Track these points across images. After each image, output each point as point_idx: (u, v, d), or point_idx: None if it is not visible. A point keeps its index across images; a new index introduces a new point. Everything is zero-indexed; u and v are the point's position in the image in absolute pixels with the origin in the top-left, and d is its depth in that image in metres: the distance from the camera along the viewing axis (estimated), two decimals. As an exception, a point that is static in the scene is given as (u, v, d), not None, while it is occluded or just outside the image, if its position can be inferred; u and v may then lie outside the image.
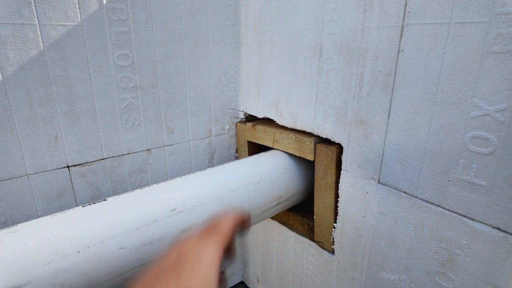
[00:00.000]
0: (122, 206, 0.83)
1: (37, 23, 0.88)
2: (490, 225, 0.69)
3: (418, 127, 0.78)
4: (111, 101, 1.05)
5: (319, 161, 1.05)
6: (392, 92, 0.82)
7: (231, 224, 0.60)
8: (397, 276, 0.90)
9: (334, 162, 1.00)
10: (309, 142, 1.07)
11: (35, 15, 0.87)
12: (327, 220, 1.08)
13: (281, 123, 1.21)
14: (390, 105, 0.83)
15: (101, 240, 0.74)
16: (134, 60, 1.06)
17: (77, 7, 0.93)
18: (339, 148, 0.99)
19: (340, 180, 1.01)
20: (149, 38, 1.08)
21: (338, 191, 1.02)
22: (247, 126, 1.33)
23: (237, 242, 1.56)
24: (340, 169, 1.00)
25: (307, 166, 1.20)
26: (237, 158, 1.47)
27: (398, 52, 0.79)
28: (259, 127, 1.27)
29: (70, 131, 1.00)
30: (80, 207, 0.82)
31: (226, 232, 0.58)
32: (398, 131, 0.82)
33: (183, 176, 1.00)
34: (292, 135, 1.14)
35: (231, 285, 1.67)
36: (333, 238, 1.08)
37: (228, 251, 0.60)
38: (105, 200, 0.85)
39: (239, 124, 1.39)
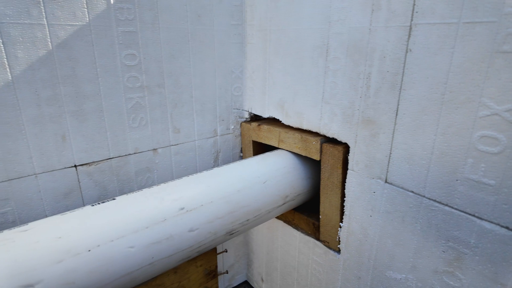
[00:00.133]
0: (131, 205, 0.83)
1: (45, 23, 0.88)
2: (498, 224, 0.69)
3: (426, 126, 0.78)
4: (118, 100, 1.05)
5: (325, 160, 1.06)
6: (400, 91, 0.82)
7: None
8: (404, 275, 0.90)
9: (341, 162, 1.01)
10: (315, 142, 1.07)
11: (44, 15, 0.87)
12: (333, 219, 1.09)
13: (286, 123, 1.22)
14: (398, 105, 0.83)
15: (111, 239, 0.75)
16: (141, 60, 1.07)
17: (85, 7, 0.93)
18: (346, 147, 1.00)
19: (346, 179, 1.01)
20: (155, 38, 1.08)
21: (345, 190, 1.02)
22: (252, 126, 1.33)
23: (242, 241, 1.57)
24: (347, 169, 1.00)
25: (313, 166, 1.21)
26: (241, 158, 1.47)
27: (406, 51, 0.79)
28: (264, 127, 1.28)
29: (77, 130, 1.00)
30: (89, 206, 0.82)
31: None
32: (405, 131, 0.83)
33: (190, 176, 1.00)
34: (298, 135, 1.14)
35: (235, 284, 1.67)
36: (339, 238, 1.08)
37: None
38: (113, 199, 0.85)
39: (244, 124, 1.39)
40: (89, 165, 1.05)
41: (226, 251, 1.47)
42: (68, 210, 1.03)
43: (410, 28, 0.77)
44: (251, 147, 1.38)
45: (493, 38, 0.64)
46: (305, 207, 1.27)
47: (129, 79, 1.06)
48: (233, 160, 1.45)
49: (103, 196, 1.10)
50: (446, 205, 0.77)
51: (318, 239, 1.18)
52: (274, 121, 1.31)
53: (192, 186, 0.94)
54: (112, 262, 0.74)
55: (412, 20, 0.76)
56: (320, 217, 1.13)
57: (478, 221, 0.72)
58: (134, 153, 1.13)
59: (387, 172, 0.89)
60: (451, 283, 0.80)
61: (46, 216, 0.99)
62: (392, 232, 0.91)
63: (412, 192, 0.84)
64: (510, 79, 0.63)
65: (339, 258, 1.10)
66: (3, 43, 0.83)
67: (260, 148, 1.39)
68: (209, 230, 0.90)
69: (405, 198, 0.86)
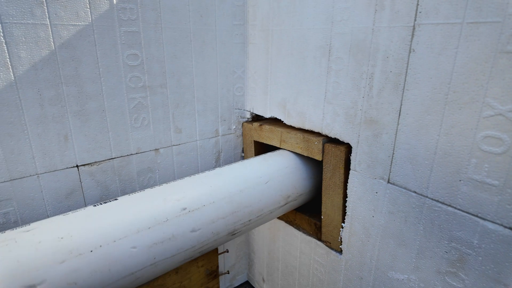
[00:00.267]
0: (133, 205, 0.83)
1: (48, 23, 0.88)
2: (502, 225, 0.69)
3: (429, 126, 0.78)
4: (121, 100, 1.05)
5: (327, 161, 1.06)
6: (403, 92, 0.82)
7: None
8: (406, 276, 0.90)
9: (343, 162, 1.00)
10: (317, 142, 1.07)
11: (47, 15, 0.87)
12: (335, 219, 1.09)
13: (288, 123, 1.21)
14: (401, 105, 0.83)
15: (113, 239, 0.75)
16: (143, 60, 1.07)
17: (88, 7, 0.93)
18: (348, 147, 1.00)
19: (348, 180, 1.01)
20: (158, 38, 1.08)
21: (347, 191, 1.02)
22: (254, 126, 1.33)
23: (243, 241, 1.57)
24: (349, 169, 1.00)
25: (314, 166, 1.21)
26: (243, 158, 1.47)
27: (409, 52, 0.79)
28: (266, 127, 1.27)
29: (79, 130, 1.00)
30: (91, 207, 0.82)
31: None
32: (408, 131, 0.83)
33: (192, 176, 1.00)
34: (300, 135, 1.14)
35: (236, 284, 1.67)
36: (341, 238, 1.08)
37: None
38: (116, 199, 0.85)
39: (245, 124, 1.39)
40: (91, 165, 1.05)
41: (227, 251, 1.47)
42: (70, 210, 1.03)
43: (414, 28, 0.77)
44: (253, 147, 1.38)
45: (497, 38, 0.64)
46: (306, 207, 1.27)
47: (131, 79, 1.06)
48: (235, 160, 1.45)
49: (105, 196, 1.10)
50: (449, 205, 0.77)
51: (319, 239, 1.18)
52: (275, 121, 1.31)
53: (194, 186, 0.94)
54: (115, 262, 0.74)
55: (415, 20, 0.76)
56: (322, 217, 1.13)
57: (482, 221, 0.72)
58: (136, 153, 1.13)
59: (390, 172, 0.89)
60: (454, 283, 0.80)
61: (48, 216, 1.00)
62: (395, 233, 0.91)
63: (415, 192, 0.84)
64: (514, 80, 0.63)
65: (341, 259, 1.09)
66: (6, 43, 0.83)
67: (262, 148, 1.39)
68: (211, 231, 0.90)
69: (407, 199, 0.86)
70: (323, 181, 1.09)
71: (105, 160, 1.07)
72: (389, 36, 0.82)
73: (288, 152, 1.20)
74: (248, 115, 1.40)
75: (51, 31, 0.89)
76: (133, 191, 1.16)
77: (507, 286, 0.70)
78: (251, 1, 1.25)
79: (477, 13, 0.66)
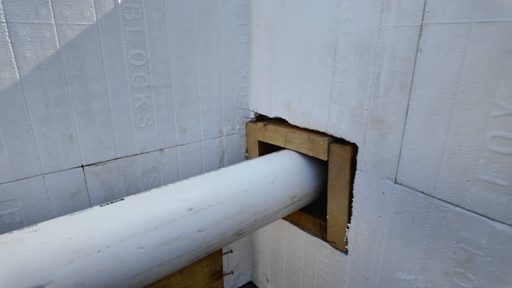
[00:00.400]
0: (140, 205, 0.83)
1: (53, 23, 0.88)
2: (511, 225, 0.68)
3: (437, 127, 0.78)
4: (125, 100, 1.05)
5: (333, 161, 1.05)
6: (410, 91, 0.81)
7: None
8: (413, 276, 0.90)
9: (349, 162, 1.00)
10: (322, 142, 1.07)
11: (52, 15, 0.87)
12: (340, 220, 1.08)
13: (293, 123, 1.21)
14: (408, 105, 0.83)
15: (120, 240, 0.74)
16: (148, 59, 1.07)
17: (93, 6, 0.93)
18: (354, 148, 0.99)
19: (354, 180, 1.01)
20: (162, 37, 1.08)
21: (353, 191, 1.02)
22: (258, 126, 1.33)
23: (247, 241, 1.57)
24: (355, 169, 1.00)
25: (319, 166, 1.20)
26: (247, 158, 1.47)
27: (417, 51, 0.78)
28: (271, 127, 1.27)
29: (84, 130, 1.00)
30: (98, 207, 0.82)
31: None
32: (415, 131, 0.82)
33: (198, 176, 1.00)
34: (304, 135, 1.14)
35: (240, 285, 1.67)
36: (346, 238, 1.08)
37: None
38: (122, 199, 0.85)
39: (249, 124, 1.39)
40: (96, 165, 1.05)
41: (231, 252, 1.47)
42: (75, 210, 1.03)
43: (421, 28, 0.77)
44: (257, 147, 1.38)
45: (506, 37, 0.63)
46: (311, 207, 1.27)
47: (136, 79, 1.06)
48: (239, 160, 1.45)
49: (109, 196, 1.10)
50: (457, 205, 0.77)
51: (325, 239, 1.17)
52: (280, 121, 1.31)
53: (200, 186, 0.94)
54: (122, 262, 0.74)
55: (423, 19, 0.76)
56: (327, 217, 1.13)
57: (490, 222, 0.72)
58: (141, 153, 1.13)
59: (397, 172, 0.88)
60: (462, 284, 0.79)
61: (53, 217, 0.99)
62: (401, 233, 0.90)
63: (422, 192, 0.84)
64: (524, 79, 0.62)
65: (347, 259, 1.09)
66: (11, 43, 0.83)
67: (266, 148, 1.39)
68: (217, 231, 0.90)
69: (414, 199, 0.85)
70: (329, 181, 1.09)
71: (110, 160, 1.07)
72: (395, 36, 0.82)
73: (293, 152, 1.20)
74: (252, 115, 1.40)
75: (56, 30, 0.89)
76: (137, 191, 1.16)
77: (515, 287, 0.70)
78: (255, 1, 1.25)
79: (486, 13, 0.65)
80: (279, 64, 1.21)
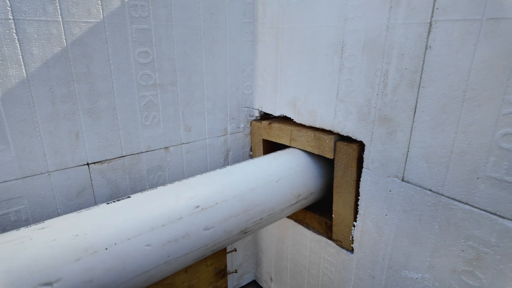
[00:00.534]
0: (146, 203, 0.83)
1: (60, 20, 0.88)
2: (521, 223, 0.68)
3: (446, 124, 0.77)
4: (131, 98, 1.05)
5: (339, 159, 1.05)
6: (419, 89, 0.81)
7: None
8: (421, 275, 0.89)
9: (355, 160, 1.00)
10: (329, 140, 1.07)
11: (59, 12, 0.87)
12: (346, 218, 1.08)
13: (298, 121, 1.21)
14: (416, 103, 0.82)
15: (127, 237, 0.74)
16: (154, 57, 1.06)
17: (100, 3, 0.93)
18: (361, 146, 0.99)
19: (361, 178, 1.00)
20: (169, 35, 1.08)
21: (359, 189, 1.02)
22: (263, 125, 1.33)
23: (251, 240, 1.56)
24: (361, 167, 1.00)
25: (325, 164, 1.20)
26: (251, 156, 1.46)
27: (426, 49, 0.78)
28: (276, 125, 1.27)
29: (90, 128, 1.00)
30: (104, 204, 0.81)
31: None
32: (424, 129, 0.82)
33: (203, 174, 1.00)
34: (310, 133, 1.13)
35: (244, 283, 1.67)
36: (352, 237, 1.07)
37: None
38: (129, 197, 0.85)
39: (254, 122, 1.38)
40: (102, 163, 1.04)
41: (235, 250, 1.46)
42: (80, 208, 1.03)
43: (430, 25, 0.76)
44: (261, 145, 1.37)
45: (518, 34, 0.63)
46: (316, 206, 1.27)
47: (142, 77, 1.05)
48: (243, 158, 1.45)
49: (115, 194, 1.10)
50: (466, 203, 0.76)
51: (330, 238, 1.17)
52: (285, 120, 1.31)
53: (206, 184, 0.94)
54: (129, 260, 0.73)
55: (432, 16, 0.76)
56: (333, 216, 1.12)
57: (500, 219, 0.71)
58: (146, 151, 1.13)
59: (404, 170, 0.88)
60: (471, 282, 0.79)
61: (59, 214, 0.99)
62: (409, 231, 0.90)
63: (430, 190, 0.83)
64: (536, 76, 0.62)
65: (352, 258, 1.09)
66: (18, 40, 0.83)
67: (270, 147, 1.38)
68: (224, 229, 0.90)
69: (422, 197, 0.85)
70: (335, 180, 1.08)
71: (116, 158, 1.07)
72: (404, 33, 0.82)
73: (298, 150, 1.20)
74: (256, 114, 1.40)
75: (63, 28, 0.89)
76: (143, 189, 1.15)
77: (525, 285, 0.69)
78: (260, -2, 1.24)
79: (497, 9, 0.65)
80: (285, 62, 1.20)
